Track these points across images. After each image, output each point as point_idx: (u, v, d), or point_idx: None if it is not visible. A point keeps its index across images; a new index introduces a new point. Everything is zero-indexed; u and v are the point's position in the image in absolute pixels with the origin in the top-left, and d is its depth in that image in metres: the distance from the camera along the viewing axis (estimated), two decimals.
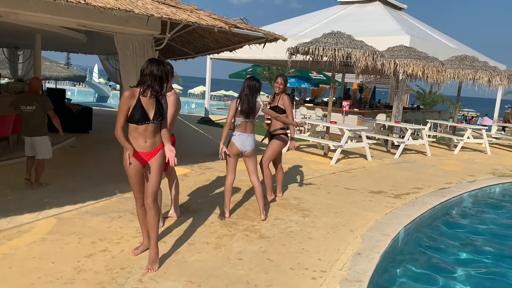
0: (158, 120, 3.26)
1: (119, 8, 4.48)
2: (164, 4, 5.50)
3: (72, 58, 28.51)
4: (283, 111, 5.23)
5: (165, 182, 4.31)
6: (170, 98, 4.00)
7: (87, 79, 25.71)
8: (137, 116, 3.16)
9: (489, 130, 16.23)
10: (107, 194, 5.24)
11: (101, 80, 34.46)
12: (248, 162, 4.68)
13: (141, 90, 3.19)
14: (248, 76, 4.60)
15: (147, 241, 3.63)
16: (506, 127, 14.40)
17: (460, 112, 23.54)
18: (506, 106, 19.53)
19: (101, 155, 7.76)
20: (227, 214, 4.67)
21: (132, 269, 3.30)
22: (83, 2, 4.16)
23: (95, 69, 34.14)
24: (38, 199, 4.86)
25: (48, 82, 24.42)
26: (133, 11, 4.63)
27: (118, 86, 16.72)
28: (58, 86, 23.57)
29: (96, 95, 29.50)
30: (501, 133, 14.43)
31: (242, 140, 4.53)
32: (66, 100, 12.71)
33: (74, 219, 4.32)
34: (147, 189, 3.35)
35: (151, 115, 3.21)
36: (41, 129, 5.32)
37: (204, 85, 18.91)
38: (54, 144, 8.32)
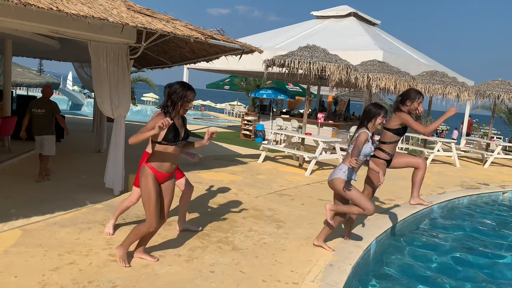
0: (186, 139, 3.48)
1: (93, 16, 4.42)
2: (139, 13, 5.46)
3: (45, 65, 27.82)
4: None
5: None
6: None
7: (60, 86, 25.07)
8: (171, 135, 3.29)
9: (458, 143, 16.75)
10: (77, 204, 5.11)
11: (75, 87, 33.70)
12: None
13: (165, 111, 3.31)
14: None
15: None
16: (474, 140, 14.89)
17: None
18: (474, 121, 20.36)
19: (72, 164, 7.57)
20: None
21: (100, 282, 3.21)
22: (55, 9, 4.09)
23: (69, 77, 33.38)
24: (4, 210, 4.68)
25: (19, 89, 23.70)
26: (108, 20, 4.58)
27: (93, 94, 16.40)
28: (30, 93, 22.91)
29: (70, 103, 28.78)
30: (470, 146, 14.92)
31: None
32: None
33: (41, 230, 4.18)
34: (167, 206, 3.56)
35: (181, 134, 3.40)
36: (48, 129, 6.28)
37: None
38: (24, 152, 8.10)
